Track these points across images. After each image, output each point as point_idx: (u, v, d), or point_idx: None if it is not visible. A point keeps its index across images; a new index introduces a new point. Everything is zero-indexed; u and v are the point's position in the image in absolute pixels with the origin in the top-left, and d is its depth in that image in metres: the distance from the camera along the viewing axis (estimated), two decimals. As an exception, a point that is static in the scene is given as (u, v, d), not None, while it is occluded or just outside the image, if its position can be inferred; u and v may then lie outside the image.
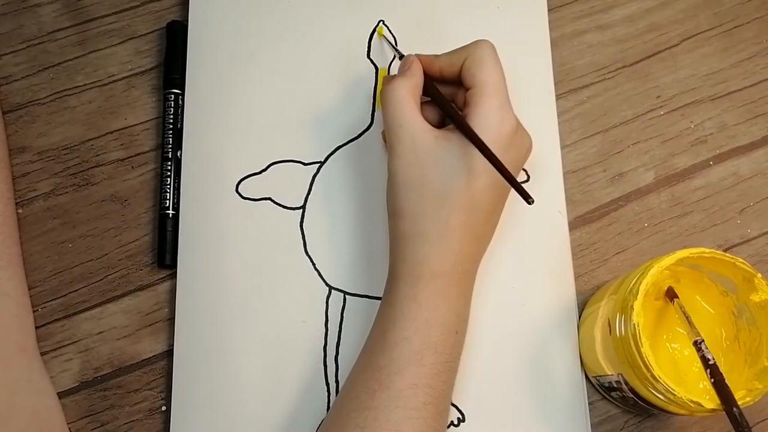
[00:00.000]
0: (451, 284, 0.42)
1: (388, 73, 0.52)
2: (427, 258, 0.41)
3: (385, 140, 0.49)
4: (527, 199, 0.38)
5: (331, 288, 0.48)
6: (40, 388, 0.46)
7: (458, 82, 0.45)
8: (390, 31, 0.52)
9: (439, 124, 0.45)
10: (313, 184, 0.50)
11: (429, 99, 0.46)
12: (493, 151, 0.40)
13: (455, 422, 0.46)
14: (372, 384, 0.40)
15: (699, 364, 0.40)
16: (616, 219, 0.51)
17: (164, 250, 0.49)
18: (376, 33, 0.52)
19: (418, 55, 0.46)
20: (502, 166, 0.39)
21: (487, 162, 0.40)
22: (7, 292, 0.46)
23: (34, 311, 0.48)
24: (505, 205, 0.45)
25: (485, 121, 0.42)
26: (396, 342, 0.40)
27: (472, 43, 0.44)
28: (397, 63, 0.52)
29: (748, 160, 0.52)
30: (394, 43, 0.48)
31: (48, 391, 0.46)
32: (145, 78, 0.53)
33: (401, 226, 0.43)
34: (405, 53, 0.48)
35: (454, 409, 0.46)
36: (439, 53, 0.45)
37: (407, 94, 0.43)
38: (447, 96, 0.46)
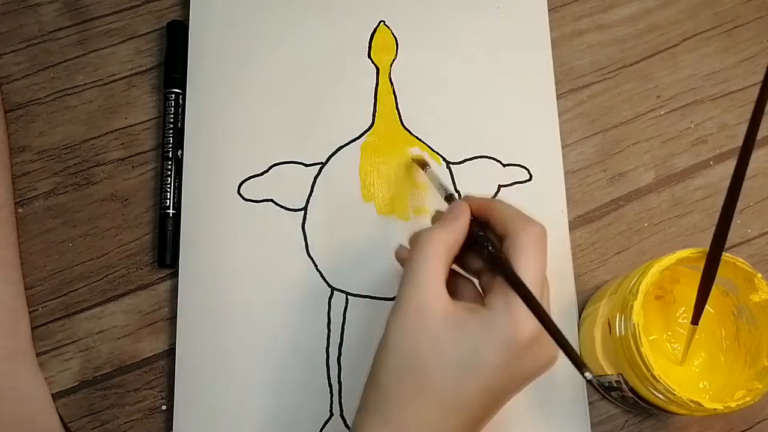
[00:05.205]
0: None
1: (390, 72, 0.52)
2: None
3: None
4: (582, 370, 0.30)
5: (333, 289, 0.48)
6: (25, 395, 0.45)
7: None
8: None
9: (462, 296, 0.38)
10: (315, 186, 0.50)
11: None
12: (503, 357, 0.34)
13: (456, 422, 0.46)
14: None
15: (699, 363, 0.40)
16: (616, 219, 0.51)
17: (164, 249, 0.49)
18: (424, 167, 0.47)
19: (468, 197, 0.39)
20: (551, 322, 0.32)
21: (495, 359, 0.34)
22: None
23: (34, 311, 0.48)
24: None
25: (499, 318, 0.34)
26: None
27: (520, 219, 0.36)
28: (397, 63, 0.52)
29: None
30: (436, 173, 0.42)
31: (35, 397, 0.45)
32: (146, 77, 0.53)
33: (371, 393, 0.36)
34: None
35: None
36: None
37: (441, 252, 0.36)
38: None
